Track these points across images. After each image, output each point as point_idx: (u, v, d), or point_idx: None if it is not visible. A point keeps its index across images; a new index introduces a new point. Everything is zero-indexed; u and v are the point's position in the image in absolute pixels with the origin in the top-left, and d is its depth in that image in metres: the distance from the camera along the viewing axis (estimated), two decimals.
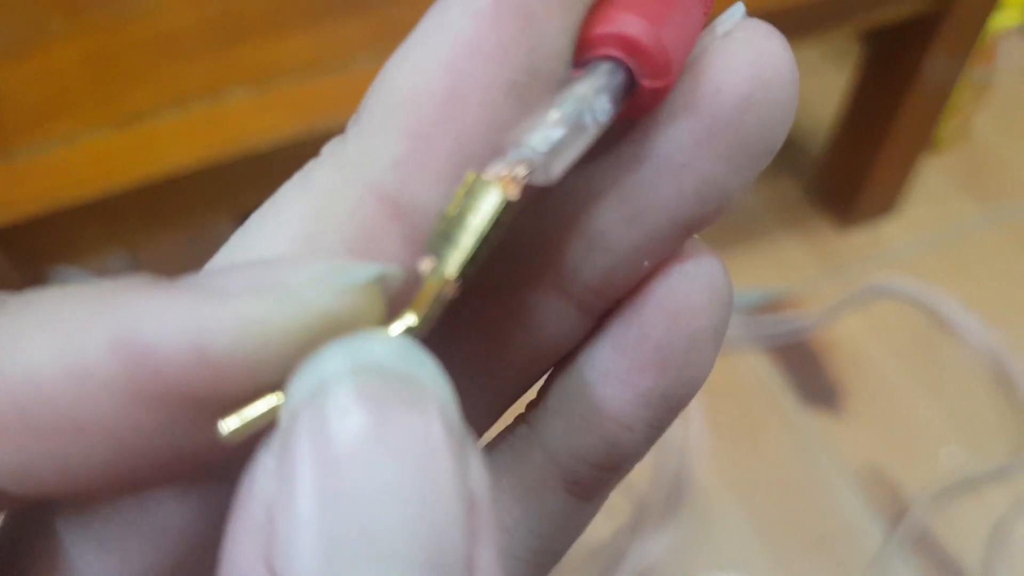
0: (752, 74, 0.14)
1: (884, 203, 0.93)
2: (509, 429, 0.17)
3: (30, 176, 0.50)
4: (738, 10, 0.15)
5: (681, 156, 0.14)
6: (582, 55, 0.14)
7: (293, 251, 0.14)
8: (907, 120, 0.84)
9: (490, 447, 0.17)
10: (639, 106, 0.14)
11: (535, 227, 0.15)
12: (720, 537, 0.75)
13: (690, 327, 0.15)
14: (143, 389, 0.11)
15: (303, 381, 0.11)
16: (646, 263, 0.15)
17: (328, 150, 0.14)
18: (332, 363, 0.11)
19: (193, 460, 0.13)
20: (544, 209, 0.15)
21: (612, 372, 0.15)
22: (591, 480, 0.16)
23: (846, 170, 0.91)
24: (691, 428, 0.79)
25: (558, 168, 0.12)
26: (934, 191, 0.96)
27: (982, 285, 0.89)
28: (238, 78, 0.55)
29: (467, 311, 0.16)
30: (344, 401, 0.11)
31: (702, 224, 0.15)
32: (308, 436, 0.11)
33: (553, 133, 0.12)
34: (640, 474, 0.76)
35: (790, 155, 0.98)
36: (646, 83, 0.13)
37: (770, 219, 0.93)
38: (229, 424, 0.12)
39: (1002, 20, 0.90)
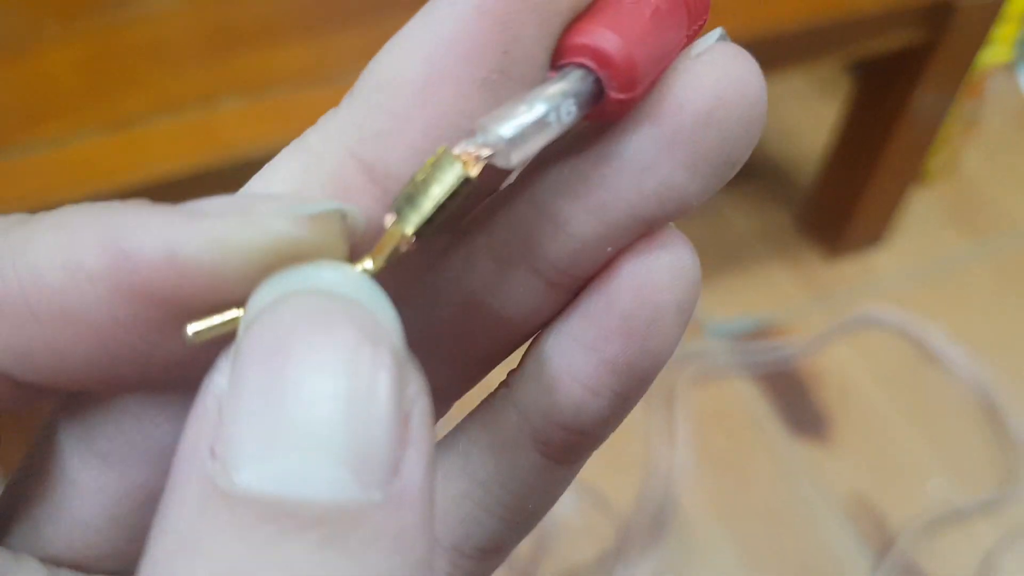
0: (714, 93, 0.15)
1: (873, 234, 0.93)
2: (493, 393, 0.19)
3: (18, 177, 0.50)
4: (714, 35, 0.16)
5: (643, 160, 0.16)
6: (558, 60, 0.15)
7: None
8: (896, 152, 0.84)
9: (475, 409, 0.19)
10: (606, 114, 0.15)
11: (508, 209, 0.17)
12: (704, 564, 0.74)
13: (654, 300, 0.16)
14: (122, 283, 0.13)
15: (261, 295, 0.13)
16: (609, 249, 0.16)
17: (323, 119, 0.16)
18: (288, 282, 0.13)
19: (167, 363, 0.14)
20: (517, 193, 0.17)
21: (581, 339, 0.17)
22: (561, 442, 0.18)
23: (835, 200, 0.91)
24: (677, 453, 0.79)
25: (517, 157, 0.14)
26: (922, 223, 0.97)
27: (969, 317, 0.90)
28: (231, 86, 0.55)
29: (447, 281, 0.17)
30: (294, 312, 0.13)
31: (662, 220, 0.16)
32: (259, 340, 0.12)
33: (518, 125, 0.14)
34: (625, 499, 0.76)
35: (780, 185, 0.98)
36: (613, 94, 0.15)
37: (759, 248, 0.94)
38: (194, 327, 0.13)
39: (991, 56, 0.91)
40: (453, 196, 0.14)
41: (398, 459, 0.12)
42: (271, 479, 0.12)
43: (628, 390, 0.17)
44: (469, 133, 0.14)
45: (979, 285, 0.93)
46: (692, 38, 0.16)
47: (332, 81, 0.56)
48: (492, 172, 0.15)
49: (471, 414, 0.19)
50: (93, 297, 0.13)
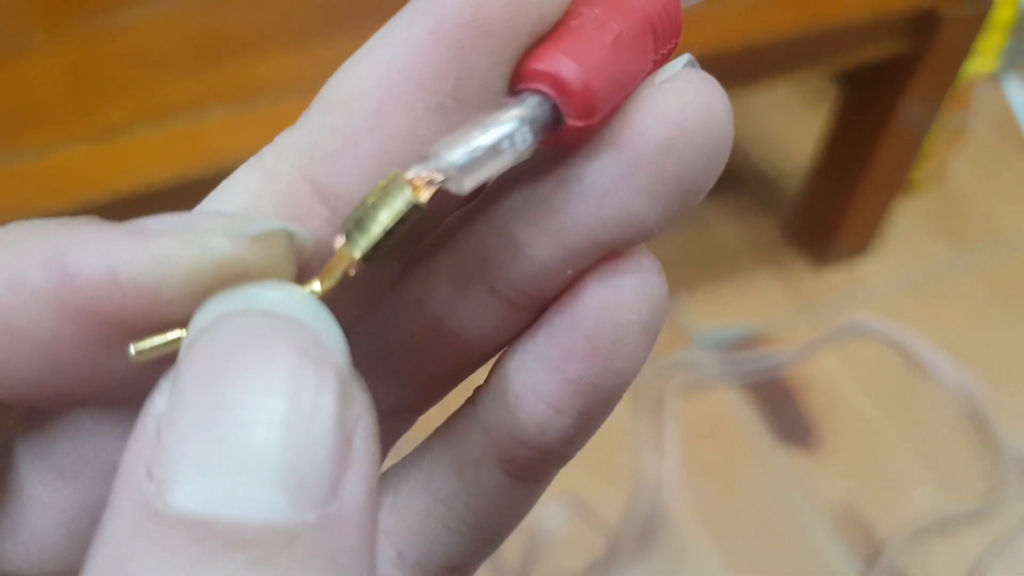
0: (675, 121, 0.15)
1: (859, 243, 0.94)
2: (458, 411, 0.19)
3: (3, 186, 0.50)
4: (681, 61, 0.16)
5: (603, 186, 0.15)
6: (516, 85, 0.15)
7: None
8: (882, 162, 0.85)
9: (440, 426, 0.19)
10: (564, 141, 0.15)
11: (468, 229, 0.17)
12: (693, 574, 0.74)
13: (618, 319, 0.16)
14: (65, 302, 0.13)
15: (202, 316, 0.13)
16: (569, 272, 0.16)
17: (279, 137, 0.16)
18: (230, 302, 0.13)
19: (114, 381, 0.14)
20: (477, 214, 0.17)
21: (545, 358, 0.17)
22: (524, 460, 0.18)
23: (822, 210, 0.92)
24: (665, 463, 0.79)
25: (470, 183, 0.14)
26: (909, 233, 0.97)
27: (955, 326, 0.90)
28: (217, 96, 0.55)
29: (407, 300, 0.17)
30: (234, 333, 0.13)
31: (623, 246, 0.16)
32: (198, 361, 0.12)
33: (470, 151, 0.14)
34: (614, 509, 0.76)
35: (767, 195, 0.99)
36: (570, 122, 0.15)
37: (747, 257, 0.94)
38: (137, 346, 0.13)
39: (976, 66, 0.91)
40: (402, 221, 0.14)
41: (337, 480, 0.12)
42: (204, 500, 0.12)
43: (592, 409, 0.17)
44: (422, 157, 0.14)
45: (966, 294, 0.93)
46: (660, 62, 0.16)
47: (318, 91, 0.56)
48: (453, 194, 0.14)
49: (436, 431, 0.19)
50: (37, 315, 0.13)
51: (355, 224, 0.14)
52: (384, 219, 0.14)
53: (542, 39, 0.15)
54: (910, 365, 0.87)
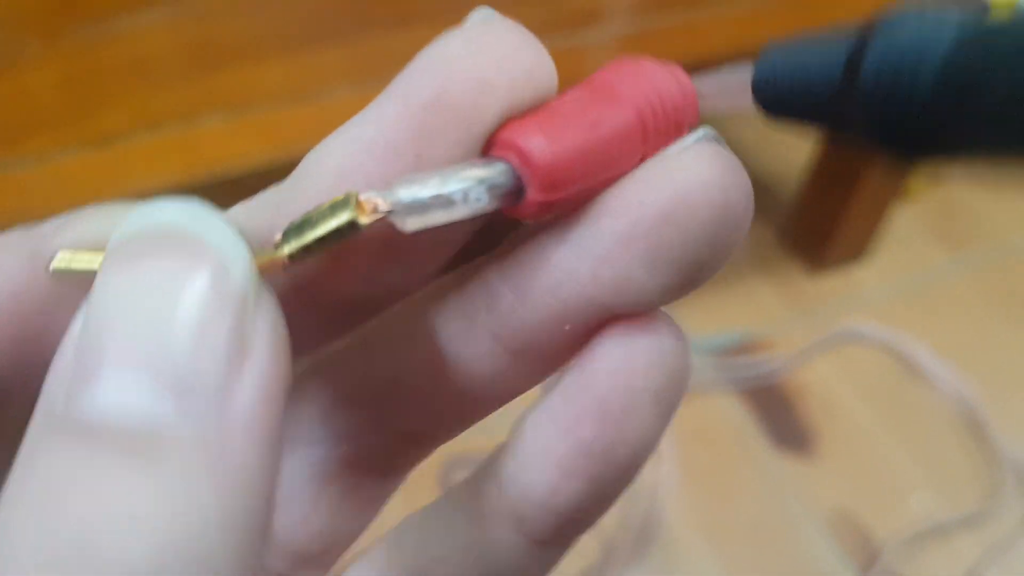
0: (678, 193, 0.15)
1: (855, 249, 0.94)
2: (481, 465, 0.18)
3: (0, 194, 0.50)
4: (696, 134, 0.16)
5: (600, 249, 0.16)
6: (487, 150, 0.16)
7: None
8: (879, 167, 0.85)
9: (465, 479, 0.18)
10: (526, 211, 0.15)
11: (480, 272, 0.17)
12: None
13: (629, 385, 0.16)
14: (28, 249, 0.15)
15: (113, 240, 0.14)
16: (567, 327, 0.16)
17: (260, 193, 0.17)
18: (137, 223, 0.14)
19: None
20: (489, 261, 0.17)
21: (557, 419, 0.16)
22: (538, 521, 0.17)
23: (818, 215, 0.92)
24: (661, 469, 0.79)
25: (413, 224, 0.15)
26: (905, 238, 0.97)
27: (951, 331, 0.90)
28: (213, 103, 0.55)
29: (421, 329, 0.18)
30: (135, 252, 0.13)
31: (623, 310, 0.16)
32: (101, 284, 0.13)
33: (419, 195, 0.15)
34: (609, 514, 0.75)
35: (763, 200, 0.99)
36: (531, 194, 0.15)
37: (742, 262, 0.94)
38: (56, 262, 0.14)
39: None
40: (336, 233, 0.15)
41: (228, 385, 0.13)
42: (95, 404, 0.12)
43: (605, 477, 0.16)
44: (384, 185, 0.15)
45: (962, 299, 0.94)
46: (652, 153, 0.16)
47: (312, 98, 0.56)
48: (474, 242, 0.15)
49: (461, 483, 0.19)
50: (6, 276, 0.15)
51: (296, 227, 0.15)
52: (321, 227, 0.15)
53: (523, 113, 0.16)
54: (906, 370, 0.87)
